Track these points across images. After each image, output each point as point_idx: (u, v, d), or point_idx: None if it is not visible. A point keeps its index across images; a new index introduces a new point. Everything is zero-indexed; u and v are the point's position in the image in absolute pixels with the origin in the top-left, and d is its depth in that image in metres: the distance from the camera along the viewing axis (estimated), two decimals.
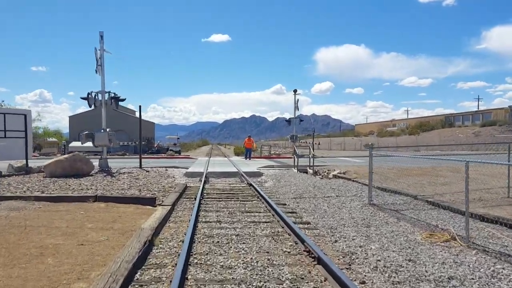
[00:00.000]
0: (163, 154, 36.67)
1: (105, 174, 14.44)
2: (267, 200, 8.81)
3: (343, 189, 11.49)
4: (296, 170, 18.03)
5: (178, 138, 47.39)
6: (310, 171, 18.01)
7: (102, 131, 15.76)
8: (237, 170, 16.84)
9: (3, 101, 46.64)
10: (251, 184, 12.21)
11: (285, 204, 8.97)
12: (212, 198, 9.88)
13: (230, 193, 10.69)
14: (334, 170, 17.04)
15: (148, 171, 15.98)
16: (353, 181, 13.36)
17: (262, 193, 9.91)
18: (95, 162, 15.67)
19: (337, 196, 10.14)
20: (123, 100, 16.38)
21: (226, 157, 35.07)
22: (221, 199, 9.56)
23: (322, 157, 31.43)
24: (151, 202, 8.68)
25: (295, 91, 32.36)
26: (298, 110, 32.33)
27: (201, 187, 11.24)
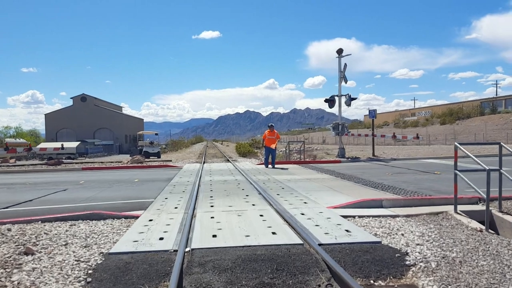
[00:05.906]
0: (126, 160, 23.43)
1: None
2: None
3: None
4: (473, 224, 5.56)
5: (156, 134, 34.05)
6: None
7: None
8: (305, 246, 4.41)
9: None
10: None
11: None
12: None
13: None
14: None
15: None
16: None
17: None
18: None
19: None
20: None
21: (228, 160, 22.26)
22: None
23: (383, 160, 17.98)
24: None
25: (339, 51, 19.78)
26: (345, 82, 19.73)
27: None
